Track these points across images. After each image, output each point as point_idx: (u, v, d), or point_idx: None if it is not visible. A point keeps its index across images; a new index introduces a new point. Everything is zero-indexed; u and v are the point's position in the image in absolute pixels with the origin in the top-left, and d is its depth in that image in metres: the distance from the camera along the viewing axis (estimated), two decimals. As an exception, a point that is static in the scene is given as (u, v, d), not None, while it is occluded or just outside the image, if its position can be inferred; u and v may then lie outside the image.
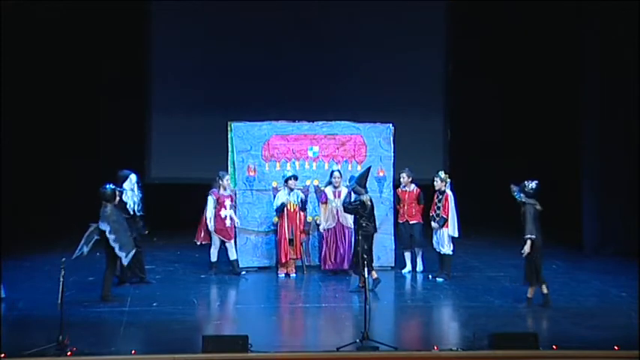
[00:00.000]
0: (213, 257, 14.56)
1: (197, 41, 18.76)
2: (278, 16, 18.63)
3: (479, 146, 19.18)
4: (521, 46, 18.72)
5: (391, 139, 15.25)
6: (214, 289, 13.74)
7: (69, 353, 10.05)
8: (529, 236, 12.37)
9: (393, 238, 15.11)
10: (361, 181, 13.63)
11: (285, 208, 14.42)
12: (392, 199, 15.12)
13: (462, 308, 12.78)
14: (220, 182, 14.45)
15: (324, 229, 14.61)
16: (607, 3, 15.95)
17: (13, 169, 16.53)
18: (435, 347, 10.54)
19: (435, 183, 14.35)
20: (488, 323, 11.58)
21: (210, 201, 14.40)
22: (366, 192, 13.62)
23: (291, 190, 14.48)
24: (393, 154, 15.24)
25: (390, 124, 15.31)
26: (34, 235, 16.65)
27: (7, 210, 16.02)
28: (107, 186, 12.88)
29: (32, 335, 10.69)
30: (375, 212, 13.76)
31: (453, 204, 14.23)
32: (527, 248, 12.38)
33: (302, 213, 14.58)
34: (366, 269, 11.35)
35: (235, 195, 14.78)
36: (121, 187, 13.56)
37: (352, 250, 13.89)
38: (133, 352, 10.23)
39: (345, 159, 15.17)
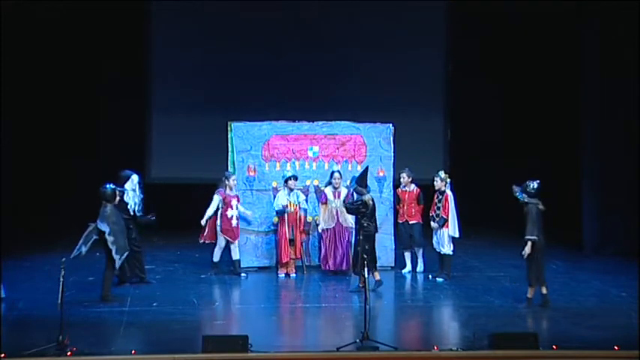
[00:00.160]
0: (216, 257, 14.54)
1: (197, 41, 18.76)
2: (278, 16, 18.64)
3: (479, 146, 19.19)
4: (521, 46, 18.72)
5: (391, 139, 15.25)
6: (214, 289, 13.74)
7: (69, 353, 10.04)
8: (529, 237, 12.37)
9: (393, 238, 15.11)
10: (361, 181, 13.63)
11: (286, 208, 14.43)
12: (392, 199, 15.12)
13: (462, 308, 12.78)
14: (227, 182, 14.43)
15: (323, 230, 14.60)
16: (607, 3, 15.96)
17: (13, 169, 16.54)
18: (435, 347, 10.54)
19: (435, 183, 14.35)
20: (488, 323, 11.58)
21: (216, 200, 14.37)
22: (368, 191, 13.61)
23: (291, 190, 14.48)
24: (393, 154, 15.24)
25: (390, 124, 15.31)
26: (34, 235, 16.65)
27: (7, 210, 16.02)
28: (107, 186, 12.86)
29: (32, 335, 10.68)
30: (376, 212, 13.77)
31: (452, 204, 14.23)
32: (527, 249, 12.38)
33: (302, 213, 14.58)
34: (366, 269, 11.34)
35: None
36: (123, 187, 13.56)
37: (353, 250, 13.88)
38: (133, 352, 10.22)
39: (345, 159, 15.17)
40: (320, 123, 15.24)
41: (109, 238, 12.54)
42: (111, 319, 11.79)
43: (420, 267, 14.82)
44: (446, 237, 14.23)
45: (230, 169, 14.93)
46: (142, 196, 13.87)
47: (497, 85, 19.02)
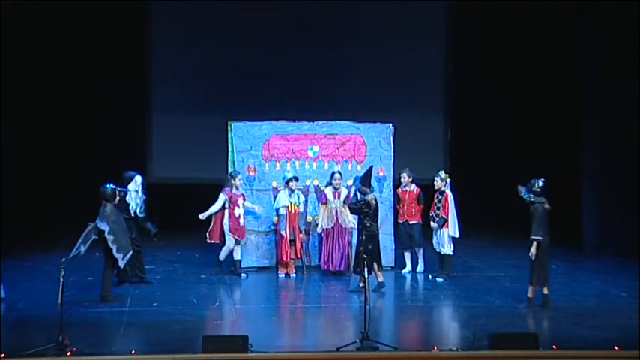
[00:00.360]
0: (222, 256, 14.49)
1: (197, 41, 18.75)
2: (278, 16, 18.62)
3: (479, 146, 19.18)
4: (521, 46, 18.71)
5: (391, 139, 15.26)
6: (214, 289, 13.73)
7: (69, 353, 10.05)
8: (534, 237, 12.36)
9: (393, 238, 15.12)
10: (365, 181, 13.62)
11: (287, 210, 14.43)
12: (392, 199, 15.13)
13: (462, 308, 12.78)
14: (233, 181, 14.42)
15: (323, 230, 14.60)
16: (607, 3, 15.95)
17: (13, 169, 16.53)
18: (435, 347, 10.55)
19: (435, 183, 14.35)
20: (488, 323, 11.58)
21: (221, 199, 14.36)
22: (372, 191, 13.62)
23: (292, 191, 14.48)
24: (393, 154, 15.25)
25: (390, 124, 15.32)
26: (34, 235, 16.64)
27: (7, 210, 16.02)
28: (107, 186, 12.87)
29: (32, 335, 10.69)
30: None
31: (452, 204, 14.23)
32: (533, 250, 12.37)
33: (302, 214, 14.62)
34: (366, 269, 11.33)
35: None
36: (126, 188, 13.56)
37: (355, 250, 13.86)
38: (133, 352, 10.23)
39: (345, 159, 15.18)
40: (320, 123, 15.25)
41: (109, 237, 12.54)
42: (111, 319, 11.80)
43: (420, 267, 14.83)
44: (446, 237, 14.22)
45: (230, 169, 14.93)
46: (144, 197, 13.87)
47: (497, 85, 19.01)
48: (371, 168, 14.04)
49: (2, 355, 9.92)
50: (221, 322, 12.03)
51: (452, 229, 14.24)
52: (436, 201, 14.33)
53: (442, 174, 14.42)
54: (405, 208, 14.74)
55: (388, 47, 18.94)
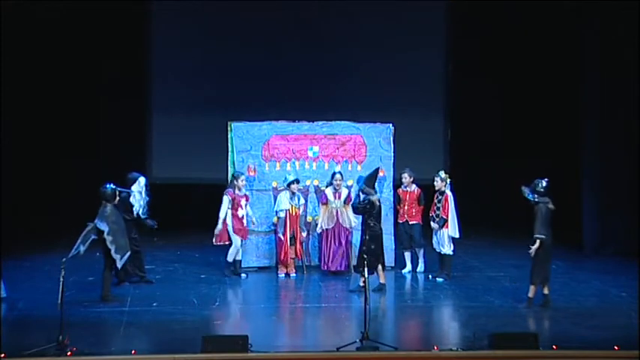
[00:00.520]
0: (231, 258, 14.47)
1: (197, 41, 18.75)
2: (278, 16, 18.62)
3: (479, 146, 19.18)
4: (521, 46, 18.71)
5: (391, 139, 15.26)
6: (214, 289, 13.71)
7: (69, 353, 10.05)
8: (538, 236, 12.36)
9: (393, 238, 15.11)
10: (370, 181, 13.62)
11: (287, 212, 14.43)
12: (392, 199, 15.12)
13: (462, 308, 12.78)
14: (236, 182, 14.42)
15: (323, 230, 14.59)
16: (607, 3, 15.95)
17: (13, 169, 16.52)
18: (435, 347, 10.54)
19: (435, 183, 14.35)
20: (488, 323, 11.58)
21: (226, 201, 14.34)
22: (375, 192, 13.63)
23: (293, 194, 14.48)
24: (393, 154, 15.24)
25: (390, 124, 15.32)
26: (34, 235, 16.64)
27: (7, 210, 16.02)
28: (107, 186, 12.86)
29: (32, 335, 10.69)
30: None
31: (452, 204, 14.23)
32: (534, 248, 12.36)
33: (302, 214, 14.61)
34: (366, 269, 11.33)
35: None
36: (130, 189, 13.56)
37: (359, 250, 13.81)
38: (133, 352, 10.23)
39: (345, 159, 15.18)
40: (320, 123, 15.24)
41: (108, 238, 12.53)
42: (111, 319, 11.80)
43: (420, 267, 14.82)
44: (446, 237, 14.22)
45: (230, 169, 14.93)
46: (148, 198, 13.87)
47: (497, 85, 19.01)
48: (377, 169, 14.05)
49: (2, 355, 9.92)
50: (221, 322, 12.03)
51: (452, 229, 14.24)
52: (436, 201, 14.33)
53: (442, 174, 14.42)
54: (406, 208, 14.74)
55: (388, 47, 18.94)
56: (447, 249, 14.25)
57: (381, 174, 15.09)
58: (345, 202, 14.51)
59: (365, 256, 11.86)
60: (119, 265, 12.72)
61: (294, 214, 14.49)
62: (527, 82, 18.79)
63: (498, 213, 18.10)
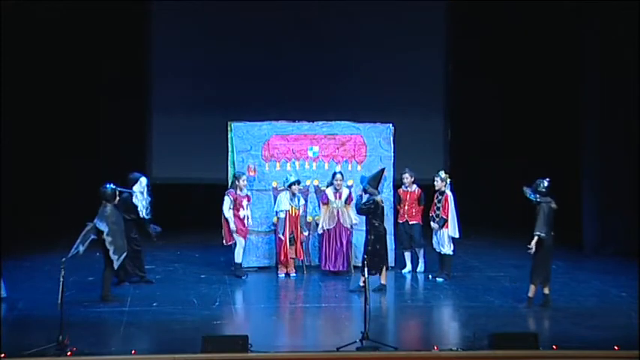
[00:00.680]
0: (238, 258, 14.46)
1: (197, 41, 18.74)
2: (278, 16, 18.62)
3: (479, 146, 19.18)
4: (521, 46, 18.71)
5: (391, 139, 15.25)
6: (214, 289, 13.71)
7: (69, 353, 10.06)
8: (537, 233, 12.36)
9: (393, 238, 15.10)
10: (374, 182, 13.62)
11: (287, 213, 14.43)
12: (392, 199, 15.12)
13: (462, 308, 12.78)
14: (237, 182, 14.41)
15: (323, 230, 14.59)
16: (607, 3, 15.95)
17: (13, 169, 16.53)
18: (435, 347, 10.55)
19: (435, 183, 14.35)
20: (488, 323, 11.58)
21: (227, 201, 14.33)
22: (379, 193, 13.63)
23: (294, 195, 14.48)
24: (393, 154, 15.24)
25: (390, 124, 15.31)
26: (34, 235, 16.64)
27: (7, 210, 16.02)
28: (107, 186, 12.86)
29: (32, 335, 10.69)
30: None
31: (452, 204, 14.23)
32: (533, 244, 12.36)
33: (302, 215, 14.61)
34: (366, 269, 11.33)
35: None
36: (131, 189, 13.56)
37: (364, 250, 13.77)
38: (133, 352, 10.24)
39: (345, 159, 15.18)
40: (320, 123, 15.24)
41: (107, 238, 12.53)
42: (111, 319, 11.80)
43: (420, 267, 14.83)
44: (446, 237, 14.22)
45: (230, 169, 14.93)
46: (149, 198, 13.86)
47: (497, 85, 19.01)
48: (383, 170, 14.05)
49: (2, 355, 9.92)
50: (221, 322, 12.01)
51: (452, 229, 14.24)
52: (436, 201, 14.33)
53: (442, 174, 14.42)
54: (406, 208, 14.74)
55: (388, 47, 18.94)
56: (447, 249, 14.25)
57: (381, 174, 15.12)
58: (345, 202, 14.51)
59: (365, 256, 11.85)
60: (115, 265, 12.70)
61: (294, 214, 14.49)
62: (527, 82, 18.79)
63: (498, 213, 18.10)
